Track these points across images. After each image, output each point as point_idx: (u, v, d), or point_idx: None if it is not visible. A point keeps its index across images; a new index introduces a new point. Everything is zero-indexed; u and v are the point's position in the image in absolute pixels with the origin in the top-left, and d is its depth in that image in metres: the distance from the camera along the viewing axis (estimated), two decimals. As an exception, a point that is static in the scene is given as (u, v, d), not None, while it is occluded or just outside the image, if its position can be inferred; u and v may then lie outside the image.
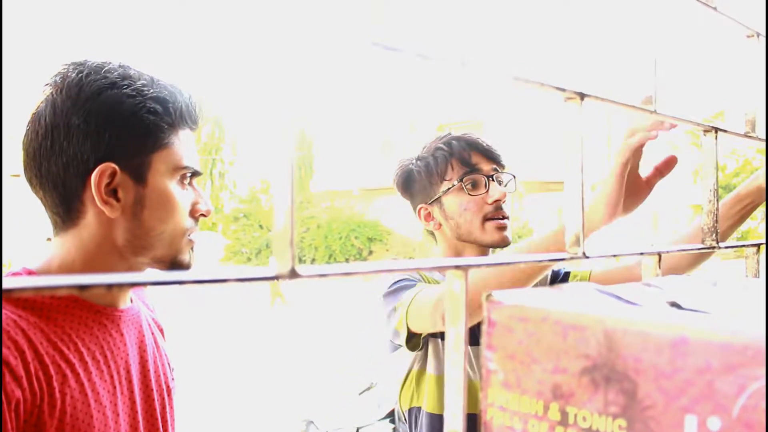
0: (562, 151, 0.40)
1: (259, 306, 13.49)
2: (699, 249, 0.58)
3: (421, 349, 1.41)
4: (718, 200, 0.58)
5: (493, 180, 1.40)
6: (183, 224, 0.90)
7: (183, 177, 0.90)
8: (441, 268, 0.32)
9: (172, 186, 0.89)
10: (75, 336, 0.84)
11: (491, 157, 1.42)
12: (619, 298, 0.34)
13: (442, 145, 1.43)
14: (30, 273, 0.87)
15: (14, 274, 0.87)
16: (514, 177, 1.45)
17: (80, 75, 0.85)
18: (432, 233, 1.49)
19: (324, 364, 7.92)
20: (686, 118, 0.53)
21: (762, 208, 1.35)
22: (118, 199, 0.85)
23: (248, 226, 23.70)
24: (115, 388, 0.89)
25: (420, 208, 1.47)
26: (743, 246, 0.67)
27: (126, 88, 0.85)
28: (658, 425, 0.28)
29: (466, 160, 1.40)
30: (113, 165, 0.84)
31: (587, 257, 0.41)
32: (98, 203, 0.84)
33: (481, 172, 1.40)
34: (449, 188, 1.40)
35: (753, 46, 0.63)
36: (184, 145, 0.90)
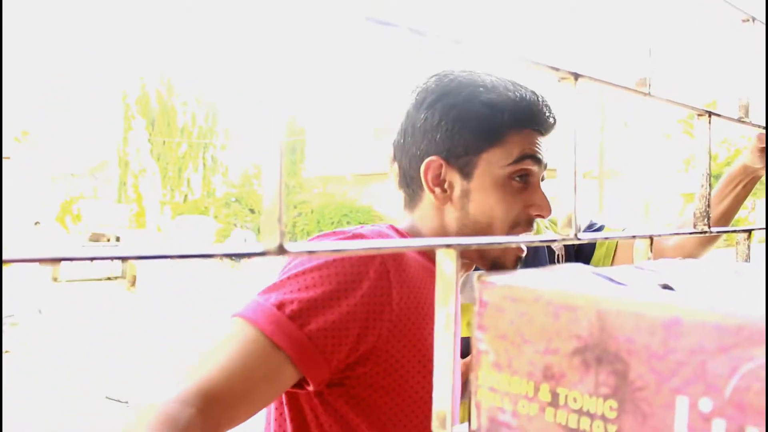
0: (555, 135, 0.40)
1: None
2: (690, 233, 0.58)
3: None
4: (710, 185, 0.58)
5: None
6: (508, 220, 0.94)
7: (513, 174, 0.93)
8: (431, 247, 0.32)
9: (500, 183, 0.93)
10: (430, 291, 0.93)
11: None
12: (611, 279, 0.34)
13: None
14: (397, 230, 0.98)
15: (384, 227, 0.97)
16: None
17: (428, 83, 0.96)
18: None
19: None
20: (680, 101, 0.53)
21: (748, 198, 1.37)
22: (444, 190, 0.94)
23: (240, 211, 23.65)
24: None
25: None
26: (734, 231, 0.67)
27: (460, 95, 0.93)
28: (649, 406, 0.28)
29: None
30: (440, 160, 0.93)
31: (579, 240, 0.41)
32: (427, 191, 0.95)
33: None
34: None
35: (748, 30, 0.62)
36: (518, 146, 0.92)
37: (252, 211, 23.24)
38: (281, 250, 0.24)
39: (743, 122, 0.63)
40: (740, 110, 0.64)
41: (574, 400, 0.30)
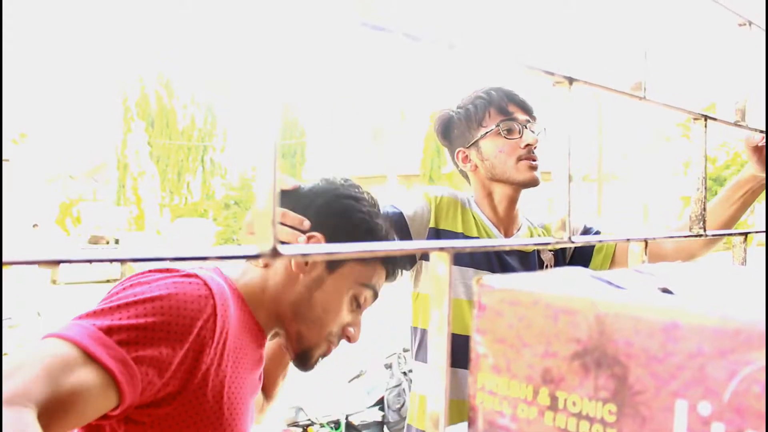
0: (550, 139, 0.40)
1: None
2: (686, 236, 0.58)
3: (409, 269, 1.56)
4: (706, 189, 0.58)
5: (526, 128, 1.51)
6: (331, 326, 1.03)
7: (358, 295, 1.04)
8: (425, 250, 0.32)
9: (346, 294, 1.03)
10: (243, 343, 0.98)
11: (525, 108, 1.53)
12: (610, 283, 0.34)
13: (482, 95, 1.55)
14: (227, 280, 1.01)
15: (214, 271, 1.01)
16: (545, 129, 1.55)
17: (350, 183, 1.07)
18: (467, 175, 1.63)
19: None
20: (675, 105, 0.53)
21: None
22: (306, 264, 1.01)
23: (239, 213, 23.63)
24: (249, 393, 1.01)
25: (458, 152, 1.60)
26: (731, 234, 0.67)
27: (363, 205, 1.05)
28: (648, 410, 0.28)
29: (504, 108, 1.52)
30: (322, 238, 1.00)
31: (573, 242, 0.41)
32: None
33: (516, 120, 1.51)
34: (487, 132, 1.52)
35: (745, 34, 0.63)
36: (376, 275, 1.05)
37: (250, 213, 23.22)
38: (275, 253, 0.24)
39: (740, 126, 0.63)
40: (737, 114, 0.64)
41: (574, 403, 0.30)
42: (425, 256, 1.55)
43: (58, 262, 0.23)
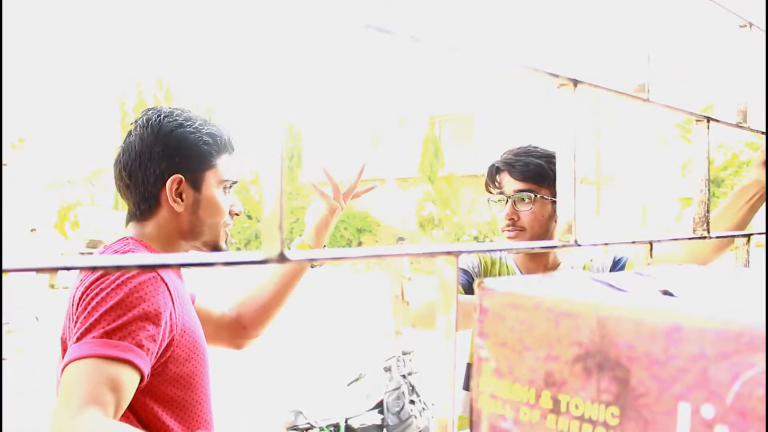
0: (553, 142, 0.40)
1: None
2: (689, 239, 0.58)
3: None
4: (709, 190, 0.58)
5: (511, 198, 1.66)
6: (223, 219, 1.29)
7: (225, 187, 1.29)
8: (432, 254, 0.32)
9: (218, 193, 1.27)
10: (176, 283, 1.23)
11: (517, 177, 1.66)
12: (611, 286, 0.34)
13: (490, 165, 1.73)
14: (135, 240, 1.24)
15: (124, 241, 1.23)
16: (536, 195, 1.68)
17: (159, 117, 1.24)
18: None
19: (312, 354, 7.92)
20: (678, 107, 0.53)
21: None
22: (182, 200, 1.24)
23: (237, 217, 23.60)
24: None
25: None
26: (734, 236, 0.67)
27: (189, 127, 1.25)
28: (651, 413, 0.28)
29: (494, 183, 1.71)
30: (180, 176, 1.23)
31: (579, 245, 0.41)
32: (170, 201, 1.22)
33: (504, 192, 1.67)
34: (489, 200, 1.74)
35: (746, 36, 0.63)
36: (225, 165, 1.29)
37: (249, 217, 23.22)
38: (282, 258, 0.24)
39: (741, 127, 0.63)
40: (738, 115, 0.64)
41: (576, 406, 0.30)
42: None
43: (57, 269, 0.23)
